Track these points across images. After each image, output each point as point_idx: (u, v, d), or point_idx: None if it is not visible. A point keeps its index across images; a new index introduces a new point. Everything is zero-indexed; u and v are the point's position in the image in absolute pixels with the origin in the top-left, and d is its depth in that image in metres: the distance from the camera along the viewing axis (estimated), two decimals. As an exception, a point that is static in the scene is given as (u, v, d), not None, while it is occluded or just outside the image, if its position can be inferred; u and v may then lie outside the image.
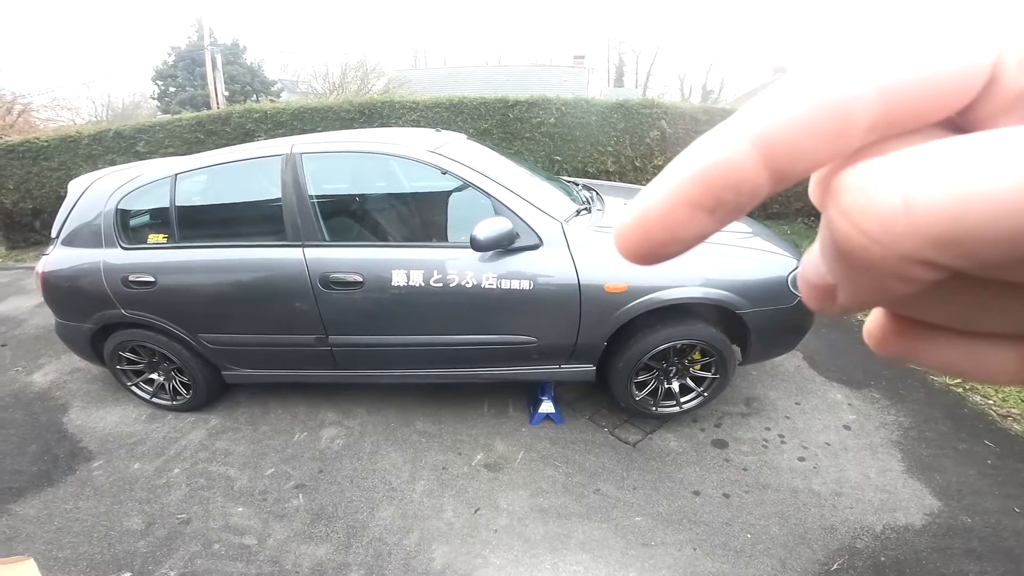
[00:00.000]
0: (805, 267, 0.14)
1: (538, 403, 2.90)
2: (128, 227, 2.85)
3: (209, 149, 4.10)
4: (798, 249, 5.05)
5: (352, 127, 6.59)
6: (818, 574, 2.05)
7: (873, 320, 0.15)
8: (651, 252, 0.15)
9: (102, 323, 2.90)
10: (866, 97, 0.13)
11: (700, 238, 0.15)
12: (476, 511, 2.37)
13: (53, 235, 2.95)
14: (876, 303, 0.14)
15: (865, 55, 0.13)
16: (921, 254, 0.11)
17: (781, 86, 0.14)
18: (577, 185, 3.44)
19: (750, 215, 6.18)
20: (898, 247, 0.11)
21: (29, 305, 4.96)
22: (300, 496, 2.50)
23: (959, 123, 0.14)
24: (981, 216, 0.11)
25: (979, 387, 3.02)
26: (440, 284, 2.46)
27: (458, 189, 2.67)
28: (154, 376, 3.13)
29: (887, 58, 0.13)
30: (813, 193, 0.15)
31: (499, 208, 2.46)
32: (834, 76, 0.13)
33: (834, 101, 0.13)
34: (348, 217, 2.98)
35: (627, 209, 0.15)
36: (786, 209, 7.06)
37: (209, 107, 15.55)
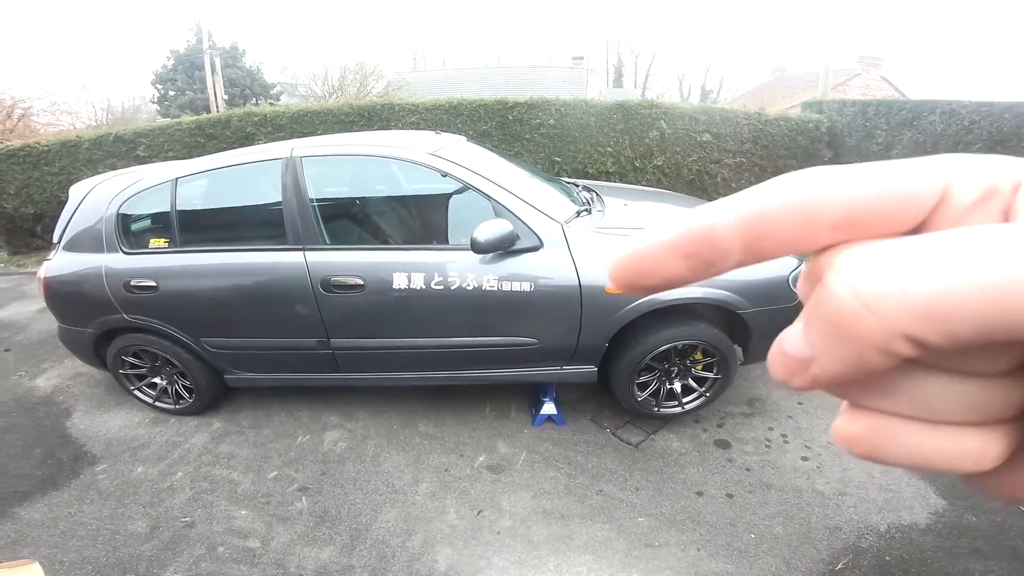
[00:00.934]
0: (783, 338, 0.16)
1: (540, 405, 2.91)
2: (129, 232, 2.85)
3: (209, 153, 4.10)
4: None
5: (352, 130, 6.59)
6: (823, 574, 2.05)
7: (849, 418, 0.17)
8: (633, 282, 0.18)
9: (104, 328, 2.91)
10: (832, 202, 0.16)
11: (671, 279, 0.17)
12: (479, 513, 2.37)
13: (55, 240, 2.96)
14: (847, 378, 0.15)
15: (840, 170, 0.16)
16: (906, 328, 0.13)
17: (774, 181, 0.17)
18: (577, 186, 3.45)
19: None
20: (889, 319, 0.13)
21: (31, 310, 4.97)
22: (303, 499, 2.51)
23: (917, 230, 0.16)
24: (959, 302, 0.12)
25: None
26: (441, 287, 2.47)
27: (458, 191, 2.68)
28: (157, 380, 3.14)
29: (857, 173, 0.16)
30: (800, 286, 0.18)
31: (499, 210, 2.47)
32: (808, 181, 0.16)
33: (803, 202, 0.16)
34: (349, 220, 2.99)
35: (624, 243, 0.18)
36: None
37: (209, 111, 15.55)
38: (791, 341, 0.15)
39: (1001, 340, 0.13)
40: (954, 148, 4.97)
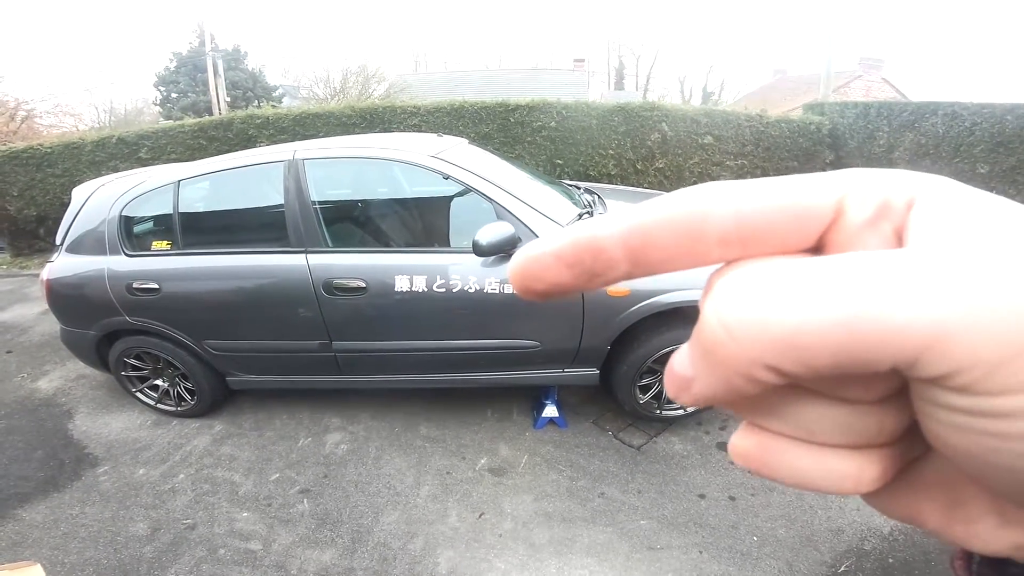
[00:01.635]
0: (675, 357, 0.16)
1: (542, 407, 2.90)
2: (132, 234, 2.86)
3: (211, 155, 4.11)
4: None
5: (353, 132, 6.61)
6: (824, 577, 2.04)
7: (741, 437, 0.17)
8: (523, 286, 0.18)
9: (107, 330, 2.92)
10: (719, 217, 0.16)
11: (558, 287, 0.17)
12: (481, 516, 2.37)
13: (57, 242, 2.97)
14: (723, 399, 0.15)
15: (734, 185, 0.16)
16: (766, 359, 0.13)
17: (667, 195, 0.16)
18: (579, 189, 3.45)
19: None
20: (749, 348, 0.13)
21: (34, 312, 4.98)
22: (305, 501, 2.51)
23: (818, 247, 0.17)
24: (813, 335, 0.13)
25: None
26: (443, 289, 2.47)
27: (460, 194, 2.68)
28: (159, 382, 3.14)
29: (749, 188, 0.16)
30: (700, 300, 0.17)
31: (501, 213, 2.47)
32: (699, 196, 0.16)
33: (688, 216, 0.16)
34: (351, 223, 2.99)
35: (523, 249, 0.18)
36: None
37: (211, 113, 15.60)
38: (678, 359, 0.16)
39: (856, 373, 0.13)
40: (956, 150, 4.97)
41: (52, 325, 3.90)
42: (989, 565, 0.18)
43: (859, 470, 0.15)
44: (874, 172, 0.16)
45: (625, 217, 0.16)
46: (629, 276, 0.17)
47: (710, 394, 0.15)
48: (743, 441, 0.17)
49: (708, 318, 0.14)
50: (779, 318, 0.13)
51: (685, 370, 0.15)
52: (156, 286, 2.73)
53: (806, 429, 0.16)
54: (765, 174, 6.73)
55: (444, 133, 4.02)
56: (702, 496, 2.43)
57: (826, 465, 0.16)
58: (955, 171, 5.00)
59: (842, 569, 2.07)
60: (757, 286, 0.14)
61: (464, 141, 3.33)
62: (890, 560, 2.09)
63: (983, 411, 0.12)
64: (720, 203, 0.16)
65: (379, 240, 3.01)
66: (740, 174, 6.78)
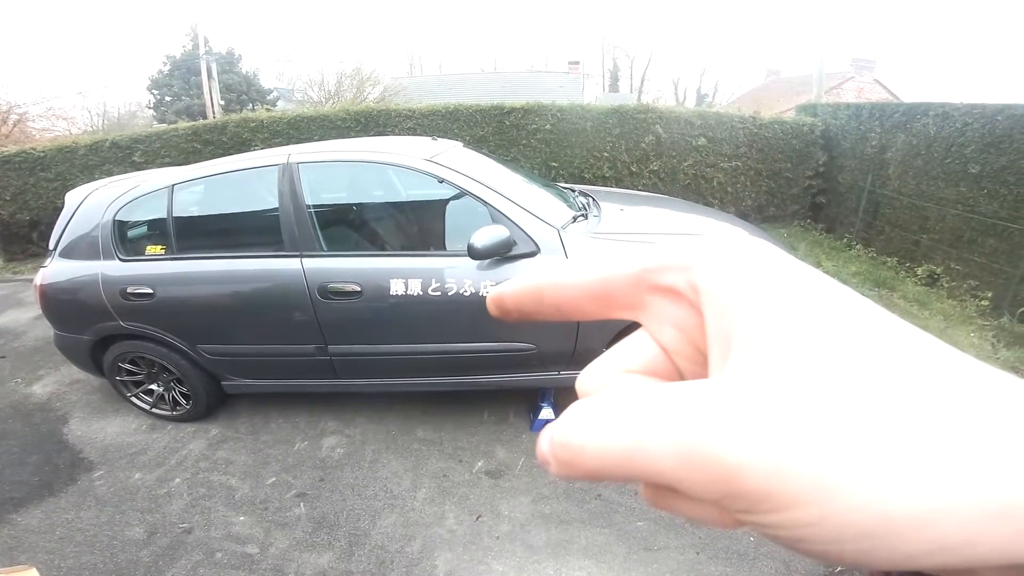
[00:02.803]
0: (541, 436, 0.18)
1: (538, 410, 2.91)
2: (126, 239, 2.85)
3: (206, 158, 4.10)
4: (795, 252, 5.08)
5: (348, 135, 6.61)
6: (819, 576, 2.06)
7: (643, 489, 0.19)
8: (496, 310, 0.24)
9: (101, 335, 2.91)
10: (551, 289, 0.21)
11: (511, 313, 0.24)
12: (478, 518, 2.37)
13: (51, 247, 2.95)
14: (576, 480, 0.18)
15: (564, 265, 0.22)
16: (583, 477, 0.17)
17: (538, 270, 0.22)
18: (573, 191, 3.46)
19: (746, 218, 6.20)
20: (564, 473, 0.17)
21: (27, 317, 4.96)
22: (302, 505, 2.50)
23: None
24: (621, 463, 0.15)
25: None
26: (439, 293, 2.47)
27: (455, 197, 2.68)
28: (154, 387, 3.13)
29: (571, 269, 0.21)
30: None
31: (496, 216, 2.48)
32: (541, 273, 0.22)
33: (533, 288, 0.22)
34: (346, 227, 2.99)
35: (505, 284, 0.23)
36: (782, 212, 7.09)
37: (205, 116, 15.55)
38: (543, 440, 0.18)
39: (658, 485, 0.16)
40: (947, 150, 5.00)
41: (46, 330, 3.87)
42: None
43: (721, 517, 0.17)
44: (667, 249, 0.19)
45: (514, 282, 0.23)
46: (523, 320, 0.23)
47: (563, 479, 0.19)
48: (643, 490, 0.19)
49: (541, 438, 0.18)
50: (590, 450, 0.16)
51: (545, 453, 0.18)
52: (150, 291, 2.72)
53: (671, 500, 0.18)
54: (759, 175, 6.81)
55: (439, 136, 4.03)
56: (698, 497, 2.44)
57: (697, 510, 0.17)
58: (947, 171, 5.02)
59: (838, 570, 2.08)
60: (568, 425, 0.17)
61: (459, 144, 3.34)
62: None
63: (766, 525, 0.15)
64: (551, 279, 0.21)
65: (374, 244, 3.02)
66: (733, 176, 6.81)
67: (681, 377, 0.20)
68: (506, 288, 0.23)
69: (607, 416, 0.16)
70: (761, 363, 0.15)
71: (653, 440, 0.15)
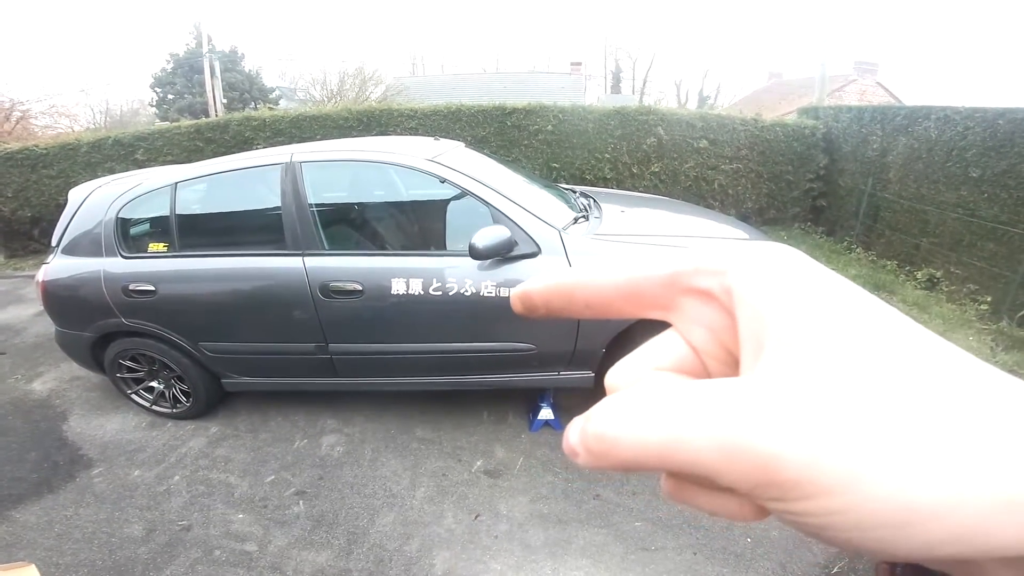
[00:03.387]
0: (570, 427, 0.19)
1: (537, 410, 2.91)
2: (128, 236, 2.86)
3: (208, 157, 4.11)
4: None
5: (350, 135, 6.62)
6: (817, 578, 2.06)
7: (664, 481, 0.20)
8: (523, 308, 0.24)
9: (102, 332, 2.91)
10: (582, 288, 0.22)
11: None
12: (476, 517, 2.38)
13: (53, 244, 2.97)
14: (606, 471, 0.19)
15: (595, 264, 0.22)
16: (615, 468, 0.17)
17: (565, 268, 0.23)
18: (575, 192, 3.47)
19: (747, 220, 6.21)
20: (595, 464, 0.18)
21: (28, 314, 4.97)
22: (301, 503, 2.51)
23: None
24: (654, 455, 0.16)
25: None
26: (439, 292, 2.48)
27: (457, 197, 2.69)
28: (154, 384, 3.14)
29: (603, 268, 0.22)
30: None
31: (497, 216, 2.48)
32: (573, 271, 0.22)
33: (564, 286, 0.22)
34: (347, 226, 3.00)
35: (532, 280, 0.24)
36: (783, 215, 7.10)
37: (207, 114, 15.57)
38: (572, 431, 0.19)
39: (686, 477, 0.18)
40: (948, 154, 5.00)
41: (47, 327, 3.89)
42: (913, 571, 0.19)
43: (740, 509, 0.18)
44: (702, 254, 0.20)
45: (546, 279, 0.23)
46: (548, 316, 0.24)
47: (588, 468, 0.19)
48: (665, 484, 0.20)
49: (573, 428, 0.18)
50: (621, 443, 0.17)
51: (575, 444, 0.18)
52: (152, 288, 2.73)
53: (697, 483, 0.19)
54: (760, 178, 6.81)
55: (441, 136, 4.04)
56: (696, 498, 2.44)
57: (718, 503, 0.19)
58: (947, 175, 5.03)
59: (835, 570, 2.09)
60: (615, 413, 0.18)
61: (461, 144, 3.34)
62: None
63: (795, 512, 0.16)
64: (583, 278, 0.22)
65: (375, 243, 3.02)
66: (735, 178, 6.81)
67: (709, 376, 0.21)
68: (533, 285, 0.23)
69: (644, 409, 0.17)
70: (794, 362, 0.16)
71: (694, 433, 0.16)
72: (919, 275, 5.26)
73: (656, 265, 0.21)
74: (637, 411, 0.17)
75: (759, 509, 0.18)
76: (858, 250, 6.22)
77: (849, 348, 0.16)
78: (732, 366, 0.20)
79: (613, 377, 0.22)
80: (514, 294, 0.24)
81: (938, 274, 5.15)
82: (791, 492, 0.15)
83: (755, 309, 0.18)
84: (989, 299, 4.51)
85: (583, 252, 2.47)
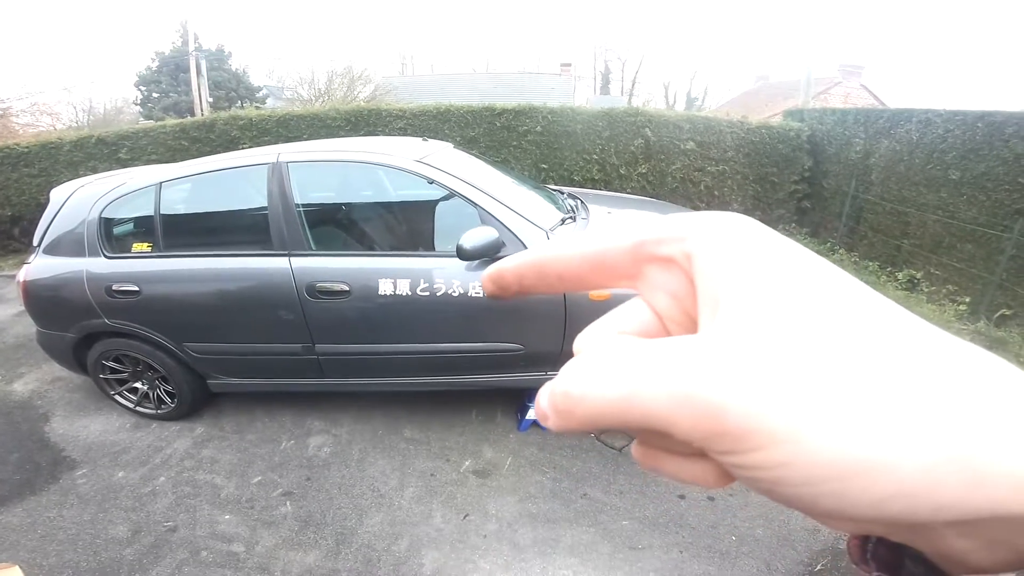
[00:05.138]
0: (540, 392, 0.20)
1: (526, 410, 2.93)
2: (112, 236, 2.83)
3: (193, 156, 4.08)
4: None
5: (338, 134, 6.59)
6: (802, 575, 2.09)
7: (633, 447, 0.22)
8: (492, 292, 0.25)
9: (85, 332, 2.88)
10: (553, 261, 0.23)
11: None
12: (465, 517, 2.39)
13: (35, 243, 2.92)
14: (572, 433, 0.20)
15: (564, 238, 0.23)
16: (580, 425, 0.18)
17: (538, 245, 0.24)
18: (562, 194, 3.49)
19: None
20: (562, 423, 0.19)
21: (9, 314, 4.89)
22: (288, 503, 2.50)
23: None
24: (616, 412, 0.17)
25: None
26: (427, 293, 2.48)
27: (445, 198, 2.70)
28: (138, 385, 3.11)
29: (572, 240, 0.22)
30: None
31: (485, 217, 2.49)
32: (543, 246, 0.23)
33: (536, 260, 0.23)
34: (335, 226, 2.99)
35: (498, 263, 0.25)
36: (768, 216, 7.18)
37: (193, 113, 15.41)
38: (543, 396, 0.20)
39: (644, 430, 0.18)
40: (929, 156, 5.10)
41: (27, 327, 3.84)
42: (885, 547, 0.20)
43: (704, 473, 0.19)
44: (662, 220, 0.21)
45: (517, 257, 0.24)
46: (520, 295, 0.25)
47: (562, 431, 0.19)
48: (635, 450, 0.22)
49: (543, 389, 0.19)
50: (585, 400, 0.18)
51: (545, 408, 0.19)
52: (136, 288, 2.70)
53: (664, 448, 0.20)
54: (746, 180, 6.88)
55: (430, 137, 4.04)
56: (682, 497, 2.47)
57: (684, 468, 0.20)
58: (928, 177, 5.12)
59: (819, 567, 2.12)
60: (575, 376, 0.18)
61: (449, 145, 3.35)
62: (863, 557, 2.14)
63: (746, 466, 0.16)
64: (553, 251, 0.23)
65: (363, 244, 3.02)
66: (720, 180, 6.88)
67: None
68: (505, 264, 0.24)
69: (605, 368, 0.18)
70: (745, 319, 0.17)
71: (648, 386, 0.16)
72: (900, 276, 5.36)
73: (622, 235, 0.21)
74: (598, 370, 0.18)
75: (721, 474, 0.19)
76: (841, 251, 6.31)
77: (798, 306, 0.16)
78: (692, 329, 0.20)
79: (580, 342, 0.23)
80: (485, 275, 0.25)
81: (919, 275, 5.24)
82: (740, 443, 0.15)
83: (712, 272, 0.18)
84: (968, 300, 4.61)
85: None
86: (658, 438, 0.20)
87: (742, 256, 0.18)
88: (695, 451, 0.18)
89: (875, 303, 0.17)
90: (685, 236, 0.20)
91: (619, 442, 2.82)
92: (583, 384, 0.18)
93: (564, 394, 0.18)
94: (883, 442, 0.14)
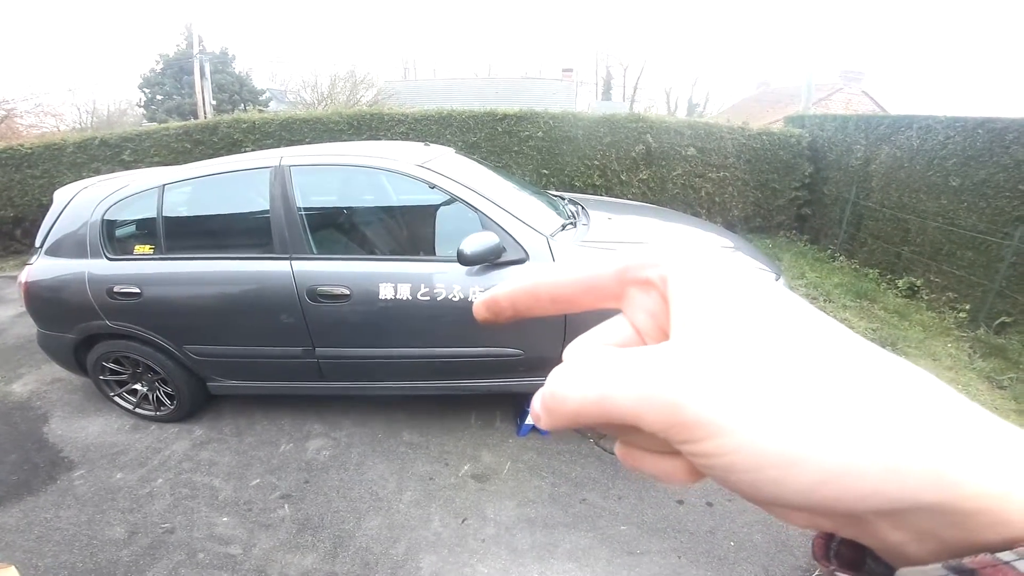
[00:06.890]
0: (535, 397, 0.23)
1: (525, 415, 2.93)
2: (114, 238, 2.84)
3: (196, 159, 4.09)
4: (779, 263, 5.14)
5: (340, 138, 6.61)
6: (798, 581, 2.09)
7: (616, 446, 0.24)
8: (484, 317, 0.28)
9: (85, 334, 2.88)
10: (543, 286, 0.25)
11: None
12: (463, 521, 2.39)
13: (37, 244, 2.93)
14: (564, 430, 0.23)
15: (554, 265, 0.26)
16: (566, 422, 0.21)
17: (529, 272, 0.26)
18: (563, 199, 3.50)
19: (733, 228, 6.28)
20: (551, 421, 0.21)
21: (9, 315, 4.90)
22: (286, 506, 2.50)
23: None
24: (596, 413, 0.20)
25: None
26: (427, 298, 2.49)
27: (446, 203, 2.71)
28: (138, 387, 3.11)
29: (561, 266, 0.25)
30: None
31: (486, 223, 2.50)
32: (536, 272, 0.25)
33: (528, 286, 0.26)
34: (336, 230, 3.00)
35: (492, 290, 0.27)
36: (769, 223, 7.18)
37: (196, 116, 15.47)
38: (536, 401, 0.22)
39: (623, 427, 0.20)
40: (929, 163, 5.10)
41: (28, 328, 3.84)
42: (847, 546, 0.22)
43: (675, 469, 0.22)
44: (647, 251, 0.23)
45: (506, 285, 0.26)
46: (514, 318, 0.27)
47: (551, 428, 0.22)
48: (618, 449, 0.24)
49: (534, 398, 0.22)
50: (570, 400, 0.21)
51: (537, 409, 0.22)
52: (137, 290, 2.71)
53: (640, 447, 0.23)
54: (746, 186, 6.89)
55: (432, 142, 4.06)
56: (680, 502, 2.47)
57: (658, 465, 0.22)
58: (928, 184, 5.12)
59: (816, 573, 2.11)
60: (562, 378, 0.21)
61: (451, 150, 3.36)
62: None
63: (702, 454, 0.18)
64: (544, 277, 0.25)
65: (364, 248, 3.02)
66: (722, 186, 6.89)
67: None
68: (498, 291, 0.27)
69: (586, 372, 0.21)
70: (702, 333, 0.20)
71: (620, 386, 0.19)
72: (900, 283, 5.35)
73: (609, 262, 0.24)
74: (580, 374, 0.21)
75: (690, 469, 0.21)
76: (841, 258, 6.31)
77: (747, 324, 0.19)
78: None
79: (569, 351, 0.25)
80: (478, 303, 0.28)
81: (918, 282, 5.23)
82: (694, 433, 0.18)
83: (682, 294, 0.21)
84: (967, 307, 4.60)
85: (570, 258, 2.49)
86: (635, 435, 0.22)
87: (707, 282, 0.21)
88: (668, 449, 0.20)
89: (816, 324, 0.19)
90: (661, 263, 0.23)
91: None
92: (566, 386, 0.21)
93: (551, 395, 0.21)
94: (810, 436, 0.17)
